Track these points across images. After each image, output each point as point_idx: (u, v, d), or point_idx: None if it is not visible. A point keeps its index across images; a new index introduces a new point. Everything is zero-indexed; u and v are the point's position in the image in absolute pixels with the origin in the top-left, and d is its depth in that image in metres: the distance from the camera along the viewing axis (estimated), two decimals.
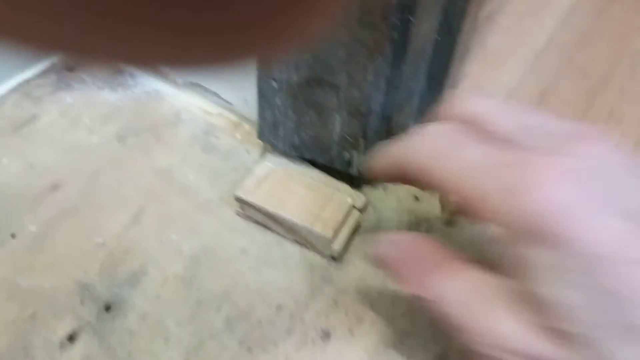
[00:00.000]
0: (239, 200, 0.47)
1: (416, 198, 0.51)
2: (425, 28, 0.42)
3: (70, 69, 0.60)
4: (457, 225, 0.49)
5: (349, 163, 0.48)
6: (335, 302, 0.44)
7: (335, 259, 0.46)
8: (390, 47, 0.40)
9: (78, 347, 0.41)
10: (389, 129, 0.47)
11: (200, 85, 0.57)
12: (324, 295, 0.45)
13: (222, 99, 0.56)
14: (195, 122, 0.56)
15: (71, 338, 0.41)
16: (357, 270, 0.46)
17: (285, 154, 0.50)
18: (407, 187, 0.52)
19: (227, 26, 0.09)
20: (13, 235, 0.47)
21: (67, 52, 0.10)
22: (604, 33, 0.65)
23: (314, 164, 0.50)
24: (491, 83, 0.58)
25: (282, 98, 0.46)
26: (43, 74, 0.59)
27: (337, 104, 0.44)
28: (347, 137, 0.46)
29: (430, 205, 0.51)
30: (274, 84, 0.46)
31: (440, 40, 0.46)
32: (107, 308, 0.43)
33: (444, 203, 0.50)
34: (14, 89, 0.57)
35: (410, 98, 0.47)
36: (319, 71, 0.43)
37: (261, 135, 0.51)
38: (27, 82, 0.58)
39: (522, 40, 0.63)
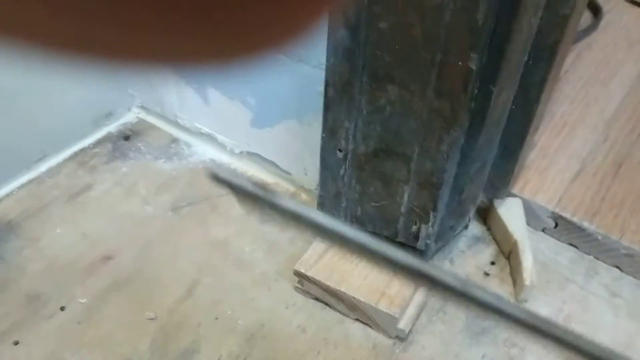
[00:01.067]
0: (298, 274, 0.44)
1: (486, 274, 0.48)
2: (504, 97, 0.40)
3: (126, 137, 0.59)
4: (527, 302, 0.45)
5: (416, 236, 0.45)
6: None
7: (402, 339, 0.42)
8: (468, 117, 0.38)
9: None
10: (460, 201, 0.44)
11: (257, 155, 0.55)
12: None
13: (280, 168, 0.54)
14: None
15: None
16: (425, 351, 0.42)
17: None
18: (477, 260, 0.49)
19: (247, 27, 0.10)
20: (62, 308, 0.44)
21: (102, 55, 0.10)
22: None
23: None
24: (562, 154, 0.55)
25: (347, 168, 0.44)
26: (99, 142, 0.58)
27: (407, 175, 0.42)
28: (416, 209, 0.44)
29: (501, 280, 0.47)
30: (339, 154, 0.44)
31: (515, 109, 0.44)
32: None
33: (515, 280, 0.46)
34: (70, 158, 0.57)
35: (483, 169, 0.45)
36: (389, 141, 0.41)
37: (321, 206, 0.48)
38: (82, 151, 0.57)
39: (591, 110, 0.60)
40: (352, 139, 0.42)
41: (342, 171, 0.44)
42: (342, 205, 0.47)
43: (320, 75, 0.40)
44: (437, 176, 0.41)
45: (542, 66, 0.40)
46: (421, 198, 0.43)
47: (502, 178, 0.48)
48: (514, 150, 0.46)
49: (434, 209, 0.43)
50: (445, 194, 0.42)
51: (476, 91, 0.36)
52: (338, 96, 0.39)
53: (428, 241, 0.45)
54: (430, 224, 0.44)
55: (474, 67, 0.34)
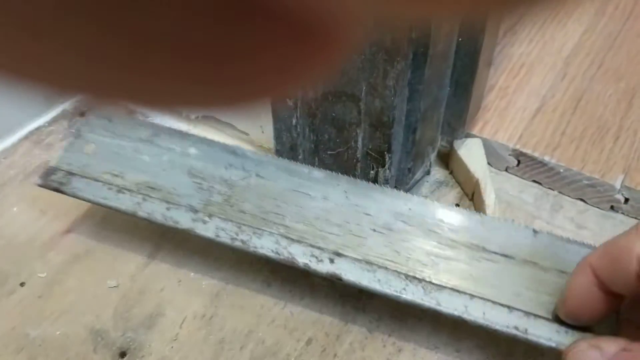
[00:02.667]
0: None
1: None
2: (447, 28, 0.39)
3: (81, 114, 0.58)
4: None
5: (374, 181, 0.45)
6: (370, 332, 0.40)
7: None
8: (412, 48, 0.37)
9: None
10: (415, 142, 0.44)
11: (214, 118, 0.54)
12: (357, 326, 0.40)
13: (237, 130, 0.53)
14: None
15: None
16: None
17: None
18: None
19: (243, 75, 0.10)
20: (22, 284, 0.44)
21: (83, 92, 0.10)
22: (634, 33, 0.62)
23: None
24: (521, 93, 0.54)
25: (299, 117, 0.44)
26: (54, 120, 0.57)
27: (358, 117, 0.41)
28: (371, 152, 0.43)
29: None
30: (289, 102, 0.43)
31: (463, 42, 0.43)
32: (122, 354, 0.39)
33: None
34: (25, 137, 0.55)
35: (435, 106, 0.44)
36: (336, 82, 0.40)
37: (278, 151, 0.48)
38: (38, 129, 0.56)
39: (548, 49, 0.60)
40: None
41: (294, 121, 0.44)
42: (299, 157, 0.46)
43: None
44: (387, 114, 0.40)
45: None
46: (375, 140, 0.42)
47: (458, 117, 0.47)
48: (466, 86, 0.45)
49: (389, 150, 0.42)
50: (398, 133, 0.42)
51: None
52: None
53: (387, 185, 0.44)
54: (386, 166, 0.43)
55: None
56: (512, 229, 0.39)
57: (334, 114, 0.42)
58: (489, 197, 0.45)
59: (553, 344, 0.35)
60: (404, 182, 0.46)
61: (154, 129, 0.45)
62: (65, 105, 0.59)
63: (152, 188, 0.41)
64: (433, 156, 0.49)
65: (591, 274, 0.33)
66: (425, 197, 0.49)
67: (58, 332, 0.40)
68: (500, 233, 0.39)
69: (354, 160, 0.44)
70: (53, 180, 0.42)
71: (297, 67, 0.10)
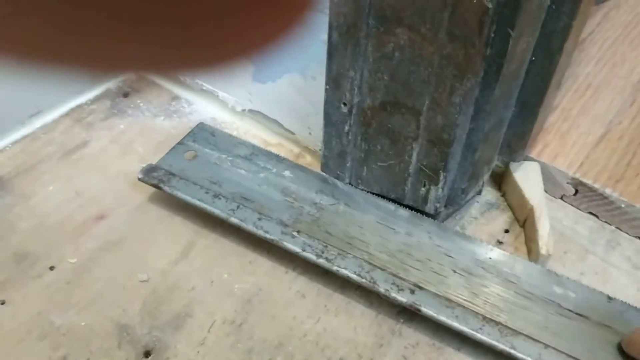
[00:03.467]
0: None
1: (499, 242, 0.45)
2: (523, 44, 0.37)
3: (125, 94, 0.57)
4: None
5: (425, 199, 0.42)
6: (405, 358, 0.38)
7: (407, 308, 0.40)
8: (484, 65, 0.34)
9: None
10: (473, 162, 0.41)
11: (260, 113, 0.52)
12: (392, 350, 0.38)
13: (283, 127, 0.51)
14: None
15: None
16: (432, 323, 0.39)
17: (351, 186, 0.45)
18: (489, 228, 0.46)
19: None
20: (52, 268, 0.42)
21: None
22: None
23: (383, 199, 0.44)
24: (585, 117, 0.51)
25: (352, 124, 0.41)
26: (97, 99, 0.56)
27: (416, 131, 0.39)
28: (425, 169, 0.41)
29: (515, 249, 0.44)
30: (344, 108, 0.41)
31: (535, 61, 0.40)
32: (147, 354, 0.38)
33: (530, 249, 0.43)
34: (66, 114, 0.54)
35: (499, 126, 0.41)
36: (397, 93, 0.38)
37: (325, 167, 0.46)
38: (79, 107, 0.55)
39: (617, 71, 0.56)
40: (358, 90, 0.39)
41: (346, 127, 0.42)
42: (347, 165, 0.44)
43: (325, 20, 0.37)
44: (448, 132, 0.38)
45: (566, 11, 0.37)
46: (431, 157, 0.40)
47: (519, 139, 0.45)
48: (532, 107, 0.42)
49: (445, 169, 0.40)
50: (456, 152, 0.39)
51: (492, 35, 0.32)
52: (342, 41, 0.36)
53: (437, 204, 0.42)
54: (440, 185, 0.41)
55: (490, 6, 0.30)
56: (587, 291, 0.39)
57: (390, 125, 0.40)
58: (544, 227, 0.43)
59: None
60: (455, 202, 0.43)
61: (253, 149, 0.47)
62: (109, 85, 0.57)
63: (246, 199, 0.43)
64: (487, 176, 0.47)
65: None
66: (475, 218, 0.46)
67: (83, 323, 0.39)
68: (575, 292, 0.39)
69: (405, 175, 0.42)
70: (154, 177, 0.44)
71: (271, 26, 0.11)
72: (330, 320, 0.40)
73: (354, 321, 0.40)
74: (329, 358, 0.38)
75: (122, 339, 0.38)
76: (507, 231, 0.46)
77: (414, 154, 0.40)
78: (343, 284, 0.41)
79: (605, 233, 0.46)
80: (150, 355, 0.38)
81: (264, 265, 0.43)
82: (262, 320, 0.40)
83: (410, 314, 0.40)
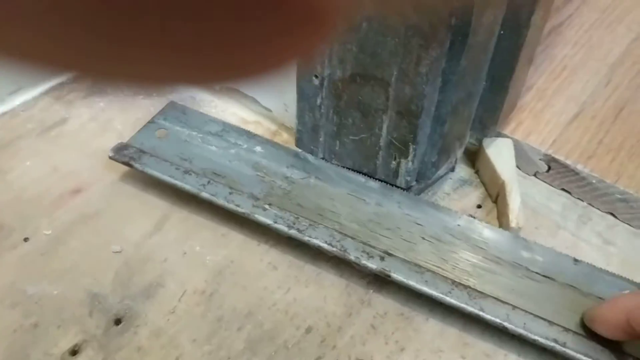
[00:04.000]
0: None
1: (471, 217, 0.45)
2: (489, 17, 0.37)
3: None
4: None
5: (395, 172, 0.43)
6: (373, 327, 0.38)
7: (377, 279, 0.40)
8: (449, 35, 0.35)
9: None
10: (442, 135, 0.42)
11: (238, 91, 0.53)
12: (361, 319, 0.39)
13: (260, 105, 0.52)
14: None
15: (74, 352, 0.37)
16: (400, 292, 0.40)
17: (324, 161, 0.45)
18: (462, 203, 0.46)
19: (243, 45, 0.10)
20: (26, 239, 0.43)
21: (84, 73, 0.11)
22: None
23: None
24: (560, 97, 0.52)
25: (324, 97, 0.42)
26: (77, 77, 0.56)
27: (385, 103, 0.39)
28: (395, 141, 0.41)
29: (487, 224, 0.44)
30: (315, 80, 0.41)
31: (504, 35, 0.41)
32: (117, 322, 0.38)
33: (501, 223, 0.44)
34: (46, 93, 0.55)
35: (468, 100, 0.42)
36: (366, 64, 0.38)
37: (299, 142, 0.46)
38: (60, 85, 0.55)
39: (594, 54, 0.57)
40: (328, 62, 0.39)
41: (319, 101, 0.42)
42: (320, 139, 0.44)
43: None
44: (416, 103, 0.38)
45: None
46: (400, 129, 0.40)
47: (491, 114, 0.45)
48: (502, 82, 0.43)
49: (414, 141, 0.40)
50: (425, 124, 0.40)
51: (459, 7, 0.33)
52: None
53: (408, 178, 0.43)
54: (410, 158, 0.41)
55: None
56: (554, 255, 0.40)
57: (360, 98, 0.40)
58: (514, 201, 0.43)
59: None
60: (426, 176, 0.44)
61: (224, 126, 0.47)
62: None
63: (217, 174, 0.43)
64: (460, 153, 0.47)
65: (624, 317, 0.33)
66: (447, 194, 0.47)
67: (56, 292, 0.40)
68: (542, 256, 0.40)
69: (377, 148, 0.42)
70: (125, 155, 0.44)
71: (298, 44, 0.11)
72: (300, 290, 0.40)
73: (324, 291, 0.40)
74: (297, 326, 0.38)
75: (93, 308, 0.39)
76: (479, 206, 0.46)
77: (384, 127, 0.41)
78: (314, 256, 0.42)
79: (577, 209, 0.47)
80: (120, 322, 0.38)
81: (236, 239, 0.43)
82: (233, 290, 0.40)
83: (379, 285, 0.40)
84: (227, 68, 0.11)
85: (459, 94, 0.40)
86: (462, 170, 0.49)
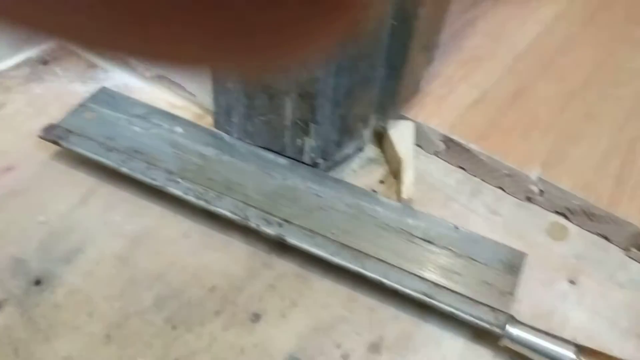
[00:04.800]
0: None
1: (373, 191, 0.49)
2: (376, 9, 0.41)
3: (44, 62, 0.61)
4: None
5: (301, 150, 0.47)
6: (271, 287, 0.42)
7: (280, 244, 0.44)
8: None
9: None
10: (341, 116, 0.46)
11: (167, 79, 0.56)
12: (261, 280, 0.43)
13: (187, 91, 0.55)
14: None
15: None
16: (300, 256, 0.44)
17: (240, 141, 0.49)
18: (367, 180, 0.50)
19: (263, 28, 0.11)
20: None
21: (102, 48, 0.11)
22: (588, 40, 0.63)
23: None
24: (464, 84, 0.56)
25: (235, 81, 0.46)
26: (17, 66, 0.60)
27: (287, 85, 0.44)
28: (298, 121, 0.45)
29: (386, 198, 0.49)
30: None
31: (396, 26, 0.45)
32: (37, 282, 0.42)
33: (398, 197, 0.48)
34: None
35: (366, 85, 0.46)
36: None
37: (217, 123, 0.50)
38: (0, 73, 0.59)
39: (502, 45, 0.62)
40: None
41: (230, 84, 0.46)
42: (233, 120, 0.48)
43: None
44: (313, 86, 0.42)
45: None
46: (302, 110, 0.44)
47: (389, 98, 0.49)
48: (397, 68, 0.47)
49: (314, 121, 0.45)
50: (323, 105, 0.44)
51: None
52: None
53: (313, 155, 0.47)
54: (312, 137, 0.45)
55: None
56: (436, 222, 0.45)
57: (265, 82, 0.44)
58: (408, 176, 0.48)
59: (454, 310, 0.39)
60: (330, 153, 0.48)
61: (149, 109, 0.51)
62: (30, 53, 0.61)
63: (137, 152, 0.47)
64: (367, 134, 0.51)
65: None
66: (354, 171, 0.51)
67: None
68: (426, 223, 0.44)
69: (283, 128, 0.46)
70: (53, 134, 0.48)
71: (318, 35, 0.11)
72: (209, 256, 0.44)
73: (231, 257, 0.44)
74: (202, 286, 0.42)
75: (16, 271, 0.42)
76: (382, 182, 0.51)
77: (288, 108, 0.45)
78: (225, 226, 0.46)
79: (470, 184, 0.51)
80: (40, 283, 0.42)
81: (154, 211, 0.47)
82: (147, 255, 0.44)
83: (281, 251, 0.44)
84: (250, 51, 0.11)
85: (354, 78, 0.44)
86: (371, 151, 0.53)
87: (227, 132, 0.50)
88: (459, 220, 0.47)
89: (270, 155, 0.48)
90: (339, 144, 0.48)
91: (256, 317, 0.40)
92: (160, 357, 0.38)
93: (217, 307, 0.41)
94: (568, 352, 0.37)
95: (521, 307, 0.43)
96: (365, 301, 0.42)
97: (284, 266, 0.44)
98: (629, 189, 0.48)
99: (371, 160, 0.53)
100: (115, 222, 0.46)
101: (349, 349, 0.40)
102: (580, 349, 0.37)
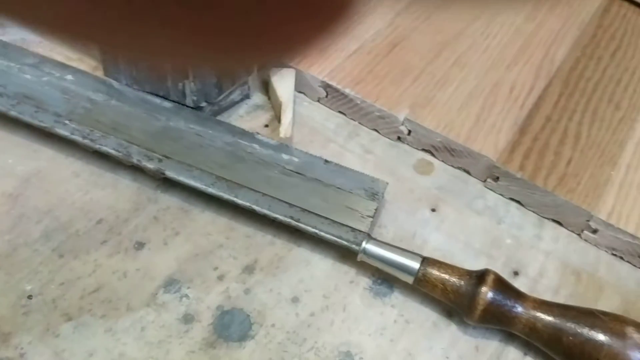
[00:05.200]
0: None
1: (257, 133, 0.53)
2: None
3: None
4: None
5: (183, 93, 0.50)
6: (155, 219, 0.46)
7: (164, 182, 0.48)
8: None
9: None
10: None
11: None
12: (146, 213, 0.46)
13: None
14: None
15: None
16: (184, 192, 0.48)
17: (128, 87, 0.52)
18: (252, 124, 0.54)
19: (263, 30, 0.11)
20: None
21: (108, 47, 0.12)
22: None
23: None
24: (345, 36, 0.60)
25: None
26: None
27: None
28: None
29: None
30: None
31: None
32: None
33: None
34: None
35: None
36: None
37: (106, 71, 0.53)
38: None
39: (384, 1, 0.66)
40: None
41: None
42: (121, 67, 0.51)
43: None
44: None
45: None
46: None
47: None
48: None
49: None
50: None
51: None
52: None
53: (195, 98, 0.50)
54: (190, 79, 0.49)
55: None
56: (309, 157, 0.49)
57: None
58: (286, 116, 0.52)
59: (317, 231, 0.44)
60: (212, 96, 0.51)
61: (41, 59, 0.53)
62: None
63: (27, 97, 0.49)
64: (250, 80, 0.55)
65: None
66: (241, 116, 0.55)
67: None
68: (299, 158, 0.49)
69: (165, 72, 0.49)
70: None
71: (310, 33, 0.12)
72: (97, 192, 0.47)
73: (118, 193, 0.47)
74: (89, 219, 0.45)
75: None
76: (266, 126, 0.54)
77: None
78: (114, 166, 0.49)
79: (349, 127, 0.56)
80: None
81: (46, 153, 0.49)
82: (37, 193, 0.46)
83: (166, 187, 0.48)
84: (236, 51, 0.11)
85: None
86: (258, 98, 0.57)
87: (116, 79, 0.52)
88: (336, 160, 0.51)
89: (157, 100, 0.51)
90: (220, 87, 0.51)
91: (140, 245, 0.44)
92: (47, 282, 0.41)
93: (103, 237, 0.44)
94: (414, 262, 0.42)
95: (386, 233, 0.48)
96: (243, 230, 0.46)
97: (168, 201, 0.47)
98: (486, 127, 0.53)
99: (258, 107, 0.56)
100: (7, 164, 0.48)
101: (225, 271, 0.44)
102: (426, 259, 0.42)
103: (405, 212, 0.50)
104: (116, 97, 0.50)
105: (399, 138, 0.55)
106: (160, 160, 0.46)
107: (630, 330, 0.38)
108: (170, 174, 0.45)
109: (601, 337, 0.38)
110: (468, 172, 0.53)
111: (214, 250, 0.45)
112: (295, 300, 0.43)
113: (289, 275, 0.44)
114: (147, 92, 0.51)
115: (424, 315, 0.44)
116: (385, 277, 0.45)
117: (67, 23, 0.10)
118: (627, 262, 0.49)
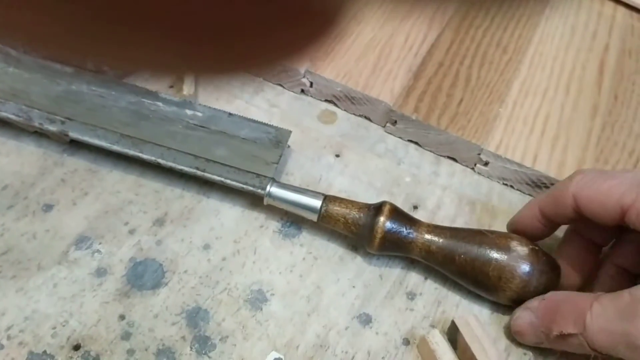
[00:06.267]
0: None
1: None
2: None
3: None
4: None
5: (83, 59, 0.50)
6: (63, 181, 0.46)
7: (71, 146, 0.48)
8: None
9: None
10: None
11: None
12: (53, 176, 0.47)
13: None
14: None
15: None
16: (91, 154, 0.48)
17: None
18: (157, 86, 0.55)
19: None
20: None
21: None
22: None
23: None
24: None
25: None
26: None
27: None
28: None
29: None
30: None
31: None
32: None
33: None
34: None
35: None
36: None
37: (1, 39, 0.52)
38: None
39: None
40: None
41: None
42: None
43: None
44: None
45: None
46: None
47: None
48: None
49: None
50: None
51: None
52: None
53: (96, 62, 0.50)
54: None
55: None
56: (212, 111, 0.50)
57: None
58: (189, 78, 0.53)
59: (223, 179, 0.45)
60: None
61: None
62: None
63: None
64: None
65: (537, 210, 0.43)
66: (146, 79, 0.55)
67: None
68: (202, 113, 0.50)
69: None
70: None
71: (302, 41, 0.12)
72: (1, 160, 0.47)
73: (23, 159, 0.47)
74: None
75: None
76: (171, 87, 0.55)
77: None
78: (17, 133, 0.49)
79: (254, 84, 0.57)
80: None
81: None
82: None
83: (73, 150, 0.48)
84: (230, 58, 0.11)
85: None
86: None
87: (12, 47, 0.52)
88: (242, 114, 0.53)
89: (57, 66, 0.51)
90: None
91: (48, 207, 0.44)
92: None
93: (9, 202, 0.44)
94: (317, 201, 0.44)
95: (293, 179, 0.50)
96: (152, 185, 0.47)
97: (75, 163, 0.48)
98: (383, 74, 0.56)
99: None
100: None
101: (135, 225, 0.45)
102: (327, 197, 0.44)
103: (311, 159, 0.52)
104: (14, 65, 0.50)
105: (302, 91, 0.57)
106: (63, 123, 0.46)
107: (514, 244, 0.42)
108: (74, 134, 0.46)
109: (489, 252, 0.42)
110: (369, 119, 0.56)
111: (123, 206, 0.46)
112: (206, 247, 0.45)
113: (199, 225, 0.46)
114: (47, 59, 0.51)
115: (331, 251, 0.46)
116: (293, 220, 0.47)
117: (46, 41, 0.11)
118: (517, 190, 0.53)
